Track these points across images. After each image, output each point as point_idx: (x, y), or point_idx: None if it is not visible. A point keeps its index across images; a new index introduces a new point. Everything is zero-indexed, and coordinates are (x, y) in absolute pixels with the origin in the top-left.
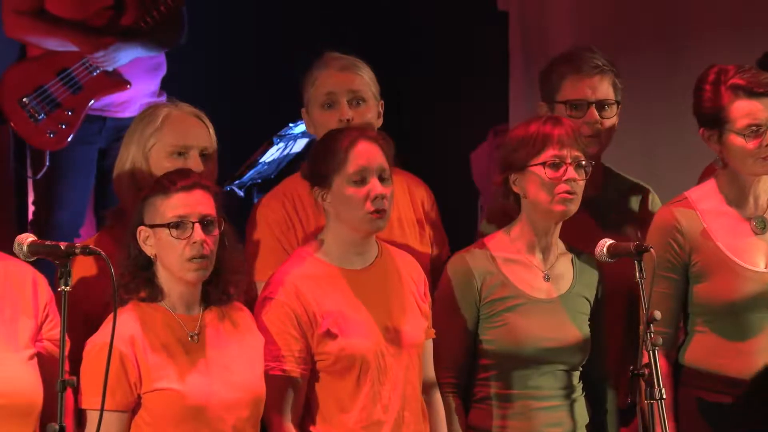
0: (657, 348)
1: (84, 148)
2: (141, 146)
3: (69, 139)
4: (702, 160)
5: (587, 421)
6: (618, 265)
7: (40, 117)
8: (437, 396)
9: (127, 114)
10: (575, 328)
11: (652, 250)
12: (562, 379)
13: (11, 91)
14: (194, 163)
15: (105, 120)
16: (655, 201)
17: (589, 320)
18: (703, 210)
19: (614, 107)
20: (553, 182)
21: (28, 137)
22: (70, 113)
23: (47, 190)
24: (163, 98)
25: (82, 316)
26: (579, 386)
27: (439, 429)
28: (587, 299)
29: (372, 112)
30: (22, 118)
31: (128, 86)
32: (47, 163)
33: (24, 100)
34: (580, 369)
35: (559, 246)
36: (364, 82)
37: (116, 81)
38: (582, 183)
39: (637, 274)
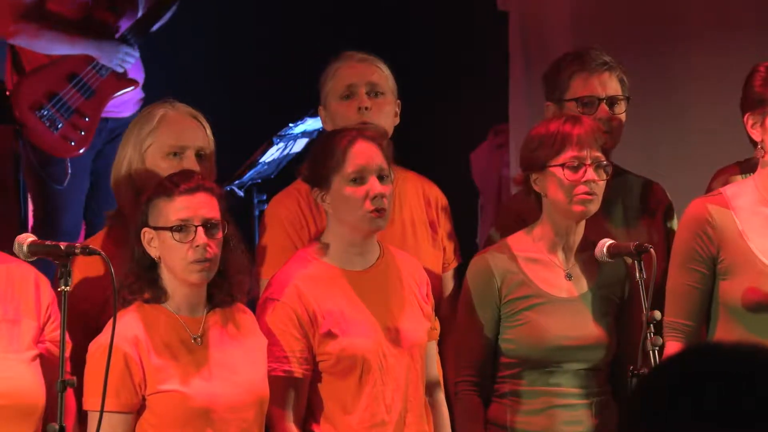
0: (657, 348)
1: (84, 152)
2: (137, 147)
3: (88, 145)
4: (702, 160)
5: (610, 421)
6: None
7: (59, 126)
8: (441, 397)
9: (126, 113)
10: (597, 327)
11: (651, 250)
12: (583, 378)
13: (26, 103)
14: (190, 163)
15: (107, 121)
16: (665, 195)
17: (618, 319)
18: (736, 207)
19: (623, 103)
20: (572, 184)
21: (49, 147)
22: (87, 119)
23: (48, 196)
24: (143, 95)
25: (79, 315)
26: (602, 386)
27: (442, 430)
28: (613, 298)
29: (389, 106)
30: (42, 128)
31: (138, 85)
32: (70, 172)
33: (41, 111)
34: (603, 368)
35: (584, 244)
36: (383, 75)
37: (125, 81)
38: (602, 184)
39: (637, 274)
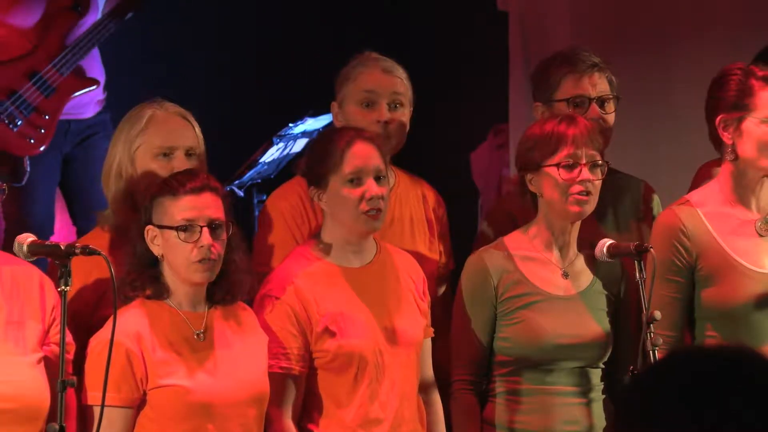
0: (657, 348)
1: (49, 152)
2: (127, 148)
3: (48, 143)
4: (702, 160)
5: (605, 420)
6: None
7: (18, 123)
8: (435, 395)
9: (87, 114)
10: (595, 325)
11: (652, 250)
12: (579, 377)
13: None
14: (180, 163)
15: (69, 123)
16: (655, 200)
17: (614, 318)
18: (706, 212)
19: (612, 102)
20: (568, 183)
21: (6, 144)
22: (46, 117)
23: (12, 198)
24: (104, 96)
25: (71, 315)
26: (599, 385)
27: (436, 429)
28: (609, 296)
29: (406, 117)
30: (0, 126)
31: (98, 84)
32: (28, 169)
33: (0, 108)
34: (601, 366)
35: (580, 243)
36: (405, 86)
37: (86, 80)
38: (598, 183)
39: (637, 274)
